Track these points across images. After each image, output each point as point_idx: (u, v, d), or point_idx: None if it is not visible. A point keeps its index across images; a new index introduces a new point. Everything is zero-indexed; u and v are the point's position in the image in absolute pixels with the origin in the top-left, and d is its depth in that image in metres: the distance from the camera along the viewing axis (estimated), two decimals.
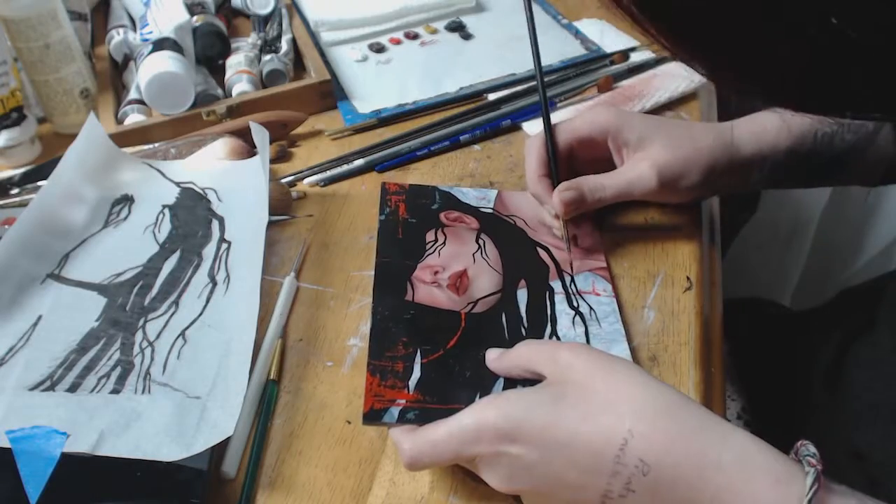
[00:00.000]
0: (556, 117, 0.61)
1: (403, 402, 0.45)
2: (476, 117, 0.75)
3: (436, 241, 0.59)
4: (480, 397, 0.45)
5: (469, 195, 0.64)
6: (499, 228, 0.61)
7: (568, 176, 0.57)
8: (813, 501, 0.33)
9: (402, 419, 0.44)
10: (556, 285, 0.56)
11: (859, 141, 0.56)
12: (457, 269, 0.56)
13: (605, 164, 0.59)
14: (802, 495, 0.33)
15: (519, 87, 0.79)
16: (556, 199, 0.56)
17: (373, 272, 0.56)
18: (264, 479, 0.47)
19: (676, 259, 0.59)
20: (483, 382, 0.47)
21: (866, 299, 0.69)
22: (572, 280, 0.56)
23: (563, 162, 0.59)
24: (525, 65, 0.82)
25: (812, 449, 0.36)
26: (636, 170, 0.56)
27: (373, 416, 0.45)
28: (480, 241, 0.59)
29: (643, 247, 0.60)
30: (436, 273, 0.55)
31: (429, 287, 0.54)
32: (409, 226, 0.60)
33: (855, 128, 0.55)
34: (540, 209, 0.60)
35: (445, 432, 0.41)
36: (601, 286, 0.56)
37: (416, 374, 0.47)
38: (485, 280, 0.55)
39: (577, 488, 0.38)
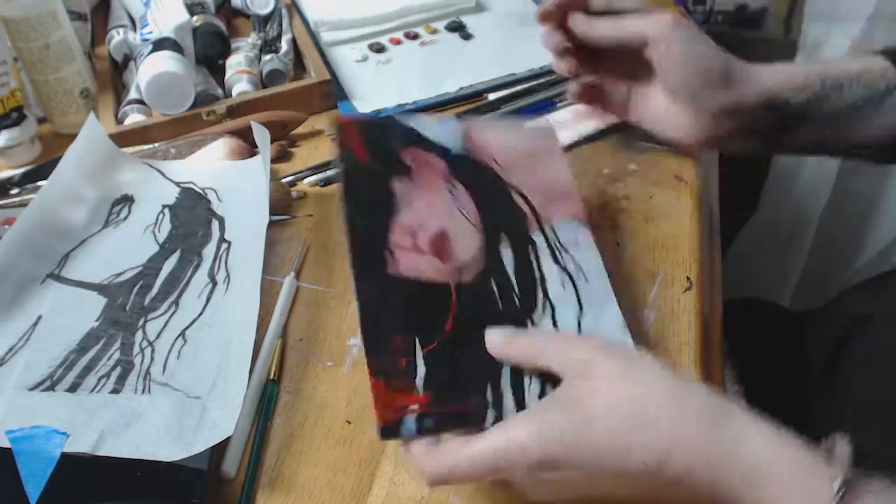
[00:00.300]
0: (555, 117, 0.61)
1: (416, 406, 0.43)
2: (476, 117, 0.75)
3: (404, 192, 0.52)
4: (492, 395, 0.44)
5: (432, 129, 0.55)
6: (470, 171, 0.54)
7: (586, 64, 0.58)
8: (846, 497, 0.34)
9: (420, 430, 0.42)
10: (539, 240, 0.53)
11: (873, 95, 0.56)
12: (434, 230, 0.51)
13: (632, 65, 0.59)
14: (831, 496, 0.34)
15: (519, 87, 0.79)
16: None
17: None
18: (264, 479, 0.47)
19: (676, 259, 0.59)
20: (490, 372, 0.45)
21: (864, 297, 0.69)
22: (553, 231, 0.54)
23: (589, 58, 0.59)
24: (525, 64, 0.82)
25: (845, 447, 0.36)
26: (657, 22, 0.55)
27: (389, 431, 0.42)
28: (451, 189, 0.53)
29: (643, 247, 0.60)
30: (414, 235, 0.50)
31: (410, 255, 0.49)
32: (371, 175, 0.52)
33: (867, 82, 0.56)
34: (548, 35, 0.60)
35: (477, 455, 0.39)
36: (581, 234, 0.54)
37: (421, 369, 0.45)
38: (466, 239, 0.51)
39: (628, 487, 0.39)
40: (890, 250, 1.08)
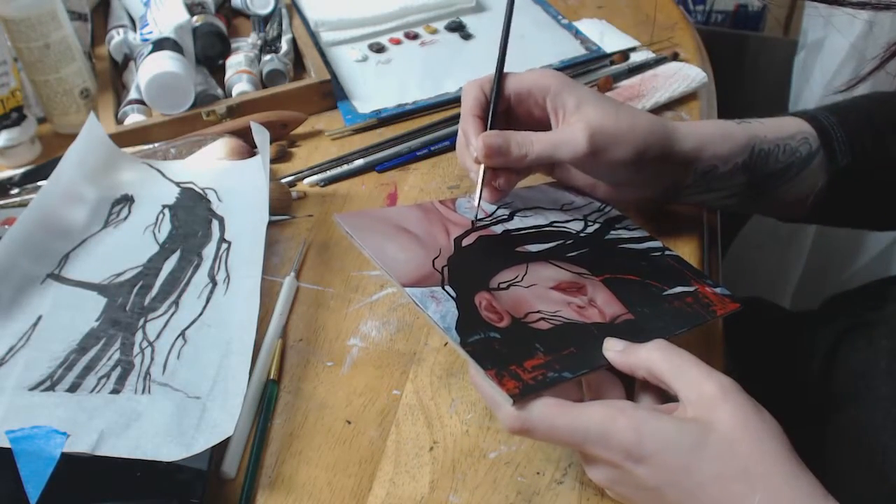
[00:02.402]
0: None
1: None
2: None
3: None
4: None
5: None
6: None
7: (501, 129, 0.55)
8: None
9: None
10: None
11: (794, 164, 0.57)
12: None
13: (541, 128, 0.57)
14: None
15: None
16: (480, 142, 0.53)
17: (373, 272, 0.55)
18: (264, 479, 0.47)
19: None
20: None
21: (864, 301, 0.69)
22: None
23: (500, 114, 0.57)
24: (525, 65, 0.82)
25: None
26: (568, 131, 0.53)
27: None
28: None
29: None
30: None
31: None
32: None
33: (791, 150, 0.56)
34: (463, 150, 0.57)
35: (571, 427, 0.40)
36: None
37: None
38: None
39: None
40: (889, 251, 1.08)
